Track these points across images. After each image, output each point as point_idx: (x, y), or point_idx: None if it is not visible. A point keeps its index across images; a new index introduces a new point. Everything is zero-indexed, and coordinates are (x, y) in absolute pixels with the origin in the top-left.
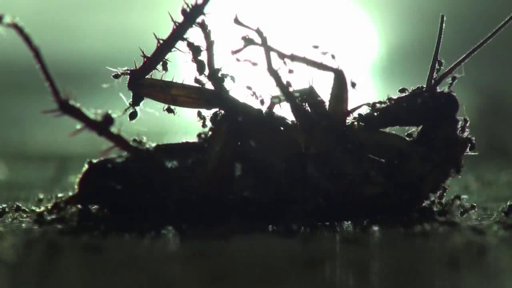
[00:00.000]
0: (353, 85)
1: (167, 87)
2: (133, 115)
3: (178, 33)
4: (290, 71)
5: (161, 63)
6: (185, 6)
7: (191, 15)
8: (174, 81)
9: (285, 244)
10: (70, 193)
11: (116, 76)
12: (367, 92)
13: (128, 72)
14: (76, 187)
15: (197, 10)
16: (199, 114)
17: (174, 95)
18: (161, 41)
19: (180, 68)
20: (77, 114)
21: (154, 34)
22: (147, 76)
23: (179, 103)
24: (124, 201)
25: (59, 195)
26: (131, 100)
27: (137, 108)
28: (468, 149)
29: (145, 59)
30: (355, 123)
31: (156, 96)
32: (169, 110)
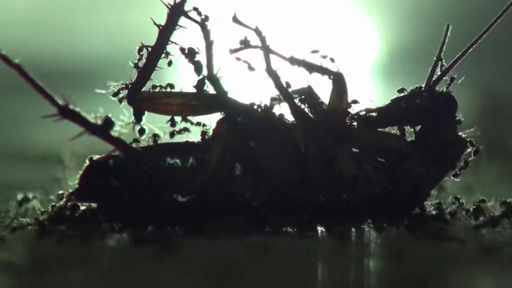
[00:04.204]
0: (354, 101)
1: (166, 97)
2: (141, 132)
3: (164, 36)
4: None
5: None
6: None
7: (172, 16)
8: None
9: (285, 244)
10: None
11: (115, 94)
12: (367, 92)
13: (124, 86)
14: (76, 184)
15: (176, 9)
16: (203, 125)
17: (174, 104)
18: (149, 49)
19: (178, 73)
20: (77, 118)
21: (142, 43)
22: (145, 89)
23: (180, 113)
24: (124, 199)
25: (60, 192)
26: (133, 117)
27: (143, 125)
28: (472, 154)
29: (138, 71)
30: (354, 123)
31: (156, 109)
32: (172, 123)
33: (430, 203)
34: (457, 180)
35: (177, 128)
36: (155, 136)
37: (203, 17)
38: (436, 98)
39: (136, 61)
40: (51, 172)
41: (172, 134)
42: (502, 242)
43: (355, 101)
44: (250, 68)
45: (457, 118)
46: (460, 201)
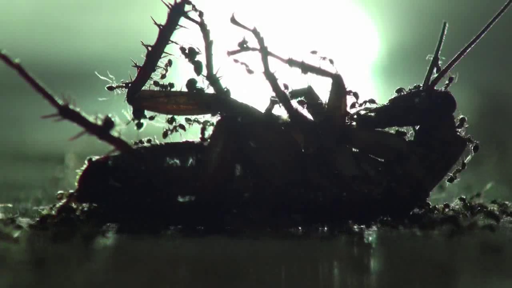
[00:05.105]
0: (355, 95)
1: (166, 96)
2: (139, 125)
3: (164, 36)
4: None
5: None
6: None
7: (172, 16)
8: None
9: (285, 244)
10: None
11: (111, 88)
12: (367, 92)
13: (124, 85)
14: (76, 184)
15: (176, 9)
16: (205, 123)
17: (174, 103)
18: (149, 48)
19: (179, 70)
20: (77, 118)
21: (142, 42)
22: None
23: (179, 112)
24: (124, 200)
25: (59, 192)
26: (132, 114)
27: (142, 120)
28: (473, 150)
29: (138, 69)
30: (354, 123)
31: (156, 107)
32: (171, 121)
33: (429, 202)
34: (457, 180)
35: (170, 127)
36: (150, 141)
37: (198, 13)
38: (434, 98)
39: (142, 63)
40: (51, 172)
41: (165, 134)
42: (502, 242)
43: (372, 101)
44: (248, 70)
45: (460, 117)
46: (465, 201)
